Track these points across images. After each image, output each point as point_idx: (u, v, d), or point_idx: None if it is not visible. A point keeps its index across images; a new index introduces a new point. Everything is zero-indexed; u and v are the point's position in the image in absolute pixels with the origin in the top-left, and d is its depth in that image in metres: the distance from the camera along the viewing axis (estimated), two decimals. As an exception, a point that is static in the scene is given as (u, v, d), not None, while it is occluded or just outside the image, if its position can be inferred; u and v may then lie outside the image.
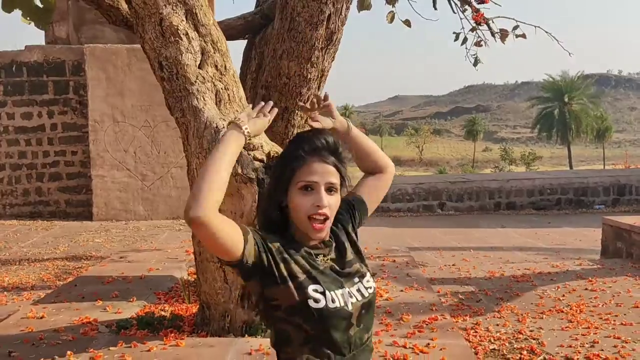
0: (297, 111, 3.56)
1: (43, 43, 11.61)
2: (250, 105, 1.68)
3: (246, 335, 3.03)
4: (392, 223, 10.91)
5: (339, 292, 1.46)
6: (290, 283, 1.42)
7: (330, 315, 1.42)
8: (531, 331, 4.49)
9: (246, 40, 4.10)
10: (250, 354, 2.77)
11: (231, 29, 3.87)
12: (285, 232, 1.52)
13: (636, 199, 12.80)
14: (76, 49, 11.07)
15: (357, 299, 1.49)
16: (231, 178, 2.43)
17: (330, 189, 1.51)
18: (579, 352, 4.04)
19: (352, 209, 1.66)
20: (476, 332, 4.49)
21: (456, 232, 9.92)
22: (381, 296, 3.80)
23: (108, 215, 11.04)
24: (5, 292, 6.00)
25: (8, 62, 11.23)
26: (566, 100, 51.23)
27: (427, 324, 3.23)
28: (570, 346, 4.16)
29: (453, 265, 6.93)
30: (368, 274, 1.57)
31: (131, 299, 3.68)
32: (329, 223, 1.51)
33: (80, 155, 11.50)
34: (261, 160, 2.57)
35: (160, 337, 3.00)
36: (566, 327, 4.57)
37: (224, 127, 2.45)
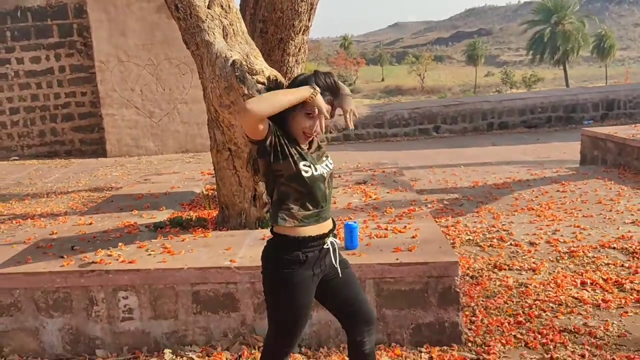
0: (291, 41, 4.12)
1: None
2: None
3: (259, 228, 3.74)
4: (388, 147, 11.51)
5: (318, 166, 2.15)
6: (290, 159, 2.10)
7: (315, 179, 2.12)
8: (503, 225, 5.21)
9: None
10: (263, 239, 3.48)
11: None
12: (283, 128, 2.16)
13: (624, 113, 13.28)
14: (76, -8, 11.38)
15: (327, 169, 2.20)
16: (238, 97, 3.05)
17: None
18: (542, 238, 4.76)
19: None
20: (456, 228, 5.23)
21: (449, 152, 10.50)
22: (370, 197, 4.49)
23: (121, 152, 11.69)
24: (41, 219, 6.75)
25: (12, 9, 11.56)
26: (553, 21, 50.56)
27: (406, 214, 3.91)
28: (535, 234, 4.88)
29: (442, 179, 7.60)
30: (329, 158, 2.25)
31: (161, 208, 4.38)
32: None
33: (89, 96, 12.03)
34: (262, 83, 3.16)
35: (190, 232, 3.70)
36: (534, 221, 5.28)
37: (231, 56, 3.04)
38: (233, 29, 3.16)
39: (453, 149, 10.87)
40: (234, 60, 3.02)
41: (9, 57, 11.75)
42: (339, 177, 5.31)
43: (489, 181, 7.13)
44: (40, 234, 5.31)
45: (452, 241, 4.85)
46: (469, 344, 3.10)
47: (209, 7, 3.11)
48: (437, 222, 5.37)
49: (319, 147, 2.27)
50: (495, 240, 4.79)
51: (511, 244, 4.67)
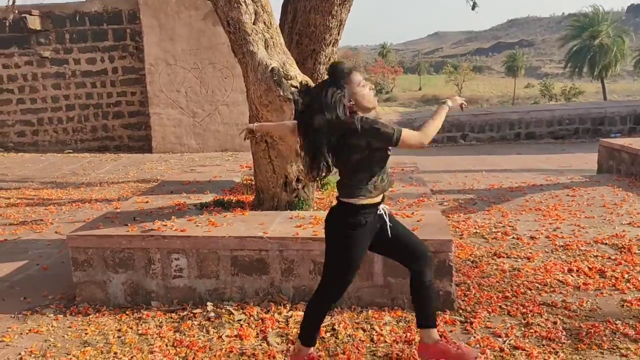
0: (322, 52, 4.77)
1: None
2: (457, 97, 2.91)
3: (289, 210, 4.39)
4: (414, 152, 12.04)
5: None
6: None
7: (385, 161, 2.75)
8: (509, 222, 5.74)
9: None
10: (291, 218, 4.12)
11: (272, -11, 5.05)
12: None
13: (652, 127, 13.48)
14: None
15: None
16: (275, 98, 3.73)
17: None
18: (542, 233, 5.28)
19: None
20: (466, 222, 5.78)
21: (473, 158, 10.97)
22: (387, 189, 5.12)
23: (165, 148, 12.56)
24: (97, 203, 7.57)
25: (72, 13, 12.59)
26: (585, 36, 50.16)
27: (415, 204, 4.49)
28: (537, 230, 5.40)
29: (462, 182, 8.13)
30: None
31: (206, 192, 5.08)
32: None
33: (138, 96, 12.96)
34: (295, 87, 3.81)
35: (230, 211, 4.37)
36: (538, 219, 5.79)
37: (271, 64, 3.70)
38: (273, 42, 3.84)
39: (478, 156, 11.32)
40: (272, 68, 3.69)
41: (67, 57, 12.78)
42: (362, 173, 5.92)
43: (504, 185, 7.64)
44: (98, 215, 6.09)
45: (460, 233, 5.41)
46: (460, 311, 3.68)
47: (254, 23, 3.79)
48: (449, 217, 5.95)
49: None
50: (499, 233, 5.34)
51: (513, 237, 5.21)
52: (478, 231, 5.45)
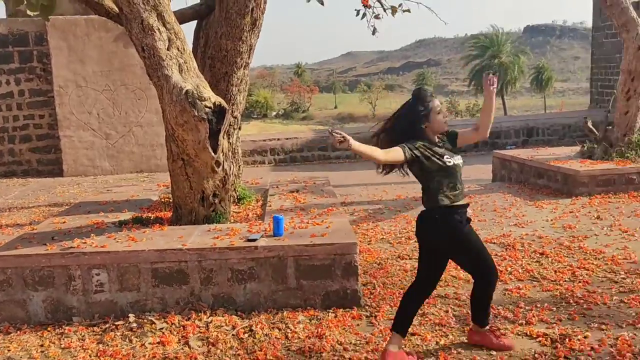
0: (234, 74, 5.09)
1: (4, 16, 12.51)
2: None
3: (206, 224, 4.64)
4: (331, 168, 12.54)
5: (454, 158, 3.19)
6: (435, 158, 3.12)
7: (454, 166, 3.16)
8: (413, 227, 6.25)
9: (196, 23, 5.55)
10: (209, 231, 4.37)
11: (184, 16, 5.31)
12: (421, 138, 3.16)
13: (542, 139, 14.79)
14: (38, 21, 12.01)
15: (460, 161, 3.24)
16: (190, 118, 4.00)
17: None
18: (440, 237, 5.82)
19: (447, 136, 3.32)
20: (374, 230, 6.25)
21: (371, 174, 11.61)
22: (299, 201, 5.46)
23: (77, 172, 12.30)
24: (8, 228, 7.40)
25: (-26, 35, 12.11)
26: (486, 56, 54.12)
27: (325, 213, 4.88)
28: (436, 234, 5.94)
29: (372, 194, 8.66)
30: (459, 155, 3.29)
31: (123, 211, 5.20)
32: None
33: (47, 118, 12.62)
34: (209, 107, 4.10)
35: (150, 227, 4.55)
36: (438, 224, 6.36)
37: (185, 87, 3.97)
38: (187, 66, 4.12)
39: (382, 178, 11.98)
40: (187, 90, 3.97)
41: (-30, 80, 12.25)
42: (277, 187, 6.27)
43: (410, 195, 8.23)
44: (12, 239, 6.01)
45: (369, 240, 5.86)
46: (366, 307, 4.07)
47: (168, 49, 4.05)
48: (359, 226, 6.40)
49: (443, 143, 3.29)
50: (403, 238, 5.84)
51: (415, 241, 5.71)
52: (384, 237, 5.93)
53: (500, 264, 4.87)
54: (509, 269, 4.74)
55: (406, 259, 5.18)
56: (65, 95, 12.01)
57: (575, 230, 5.81)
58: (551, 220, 6.28)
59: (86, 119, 12.18)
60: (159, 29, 3.96)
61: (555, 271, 4.62)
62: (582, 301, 3.98)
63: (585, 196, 7.20)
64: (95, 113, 12.23)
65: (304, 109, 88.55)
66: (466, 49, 71.31)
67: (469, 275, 4.57)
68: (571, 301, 4.00)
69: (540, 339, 3.44)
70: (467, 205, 3.31)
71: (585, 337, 3.42)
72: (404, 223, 6.52)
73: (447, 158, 3.19)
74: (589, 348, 3.29)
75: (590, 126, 8.49)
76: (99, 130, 12.27)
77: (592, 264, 4.76)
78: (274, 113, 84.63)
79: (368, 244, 5.70)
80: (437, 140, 3.26)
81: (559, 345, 3.34)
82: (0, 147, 12.53)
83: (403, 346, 3.31)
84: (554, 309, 3.89)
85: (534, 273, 4.60)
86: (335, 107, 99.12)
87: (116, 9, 4.63)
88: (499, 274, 3.48)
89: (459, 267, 4.78)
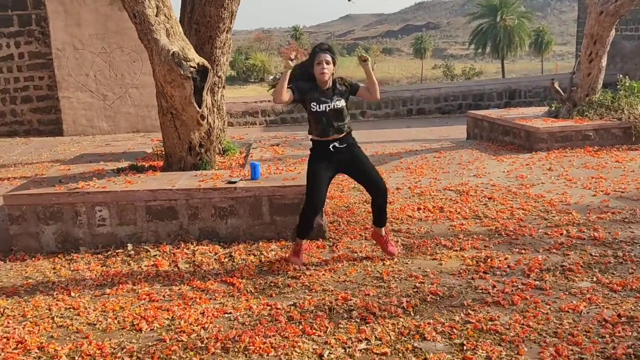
0: (217, 38, 5.67)
1: (3, -20, 12.89)
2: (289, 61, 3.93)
3: (194, 170, 5.30)
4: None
5: (324, 105, 3.90)
6: (308, 102, 3.88)
7: (318, 114, 3.88)
8: (383, 178, 6.92)
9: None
10: (195, 175, 5.05)
11: (172, -16, 5.88)
12: (313, 82, 3.92)
13: (524, 101, 15.33)
14: (35, -15, 12.46)
15: (330, 108, 3.93)
16: (177, 76, 4.62)
17: (327, 62, 3.89)
18: (406, 185, 6.52)
19: (351, 86, 4.07)
20: (348, 180, 6.91)
21: (368, 132, 12.18)
22: (278, 153, 6.13)
23: (77, 131, 12.90)
24: (15, 180, 8.06)
25: (-27, -2, 12.54)
26: (498, 18, 53.74)
27: (299, 162, 5.54)
28: (403, 183, 6.63)
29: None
30: (342, 100, 4.00)
31: (121, 161, 5.87)
32: (328, 77, 3.91)
33: (46, 80, 13.16)
34: (193, 67, 4.72)
35: (144, 173, 5.22)
36: (406, 176, 7.04)
37: (172, 49, 4.57)
38: (173, 31, 4.72)
39: (373, 130, 12.59)
40: (173, 52, 4.58)
41: (-29, 43, 12.74)
42: (260, 142, 6.91)
43: (386, 151, 8.89)
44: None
45: (342, 189, 6.54)
46: (330, 239, 4.77)
47: (156, 16, 4.64)
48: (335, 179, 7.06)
49: (334, 88, 4.00)
50: (372, 187, 6.50)
51: (383, 189, 6.39)
52: (356, 186, 6.59)
53: (452, 206, 5.56)
54: (459, 210, 5.43)
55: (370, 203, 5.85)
56: (64, 57, 12.51)
57: (526, 180, 6.49)
58: (507, 171, 6.96)
59: (84, 80, 12.71)
60: (148, -3, 4.54)
61: (497, 211, 5.32)
62: (512, 233, 4.69)
63: (544, 151, 7.86)
64: (92, 75, 12.75)
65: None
66: (471, 9, 70.82)
67: (423, 215, 5.29)
68: (503, 233, 4.71)
69: (467, 260, 4.15)
70: (338, 139, 4.05)
71: (505, 259, 4.13)
72: (375, 174, 7.17)
73: (313, 104, 3.95)
74: (506, 266, 4.00)
75: (557, 87, 9.09)
76: (97, 91, 12.81)
77: (531, 205, 5.46)
78: (271, 77, 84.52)
79: (341, 192, 6.38)
80: (325, 87, 3.99)
81: (482, 264, 4.05)
82: (2, 107, 13.10)
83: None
84: (487, 239, 4.59)
85: (478, 213, 5.30)
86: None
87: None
88: (382, 194, 4.33)
89: (415, 209, 5.49)
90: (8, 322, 3.50)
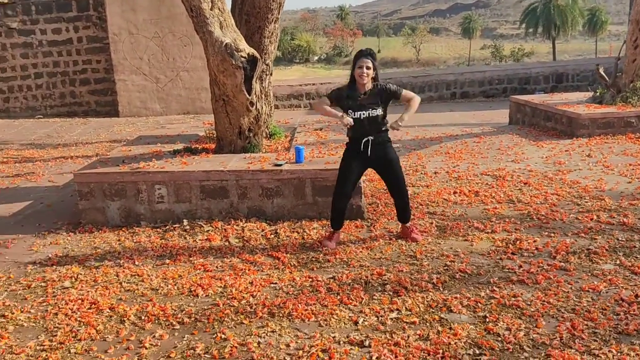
0: (266, 28, 6.02)
1: (63, -33, 13.58)
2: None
3: (243, 153, 5.70)
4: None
5: (358, 112, 4.22)
6: (345, 110, 4.23)
7: (354, 120, 4.22)
8: (422, 162, 7.19)
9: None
10: (245, 158, 5.45)
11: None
12: (352, 86, 4.26)
13: (571, 85, 15.12)
14: (93, -28, 13.08)
15: (365, 116, 4.24)
16: (229, 66, 5.00)
17: (367, 67, 4.18)
18: (444, 169, 6.76)
19: (393, 93, 4.35)
20: (387, 164, 7.19)
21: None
22: (321, 137, 6.47)
23: (131, 112, 13.56)
24: (78, 159, 8.69)
25: (36, -15, 13.28)
26: None
27: (341, 147, 5.87)
28: (441, 167, 6.87)
29: (393, 135, 9.53)
30: (379, 109, 4.28)
31: (176, 143, 6.34)
32: (366, 80, 4.20)
33: (103, 63, 13.85)
34: (244, 57, 5.08)
35: (198, 155, 5.66)
36: (444, 160, 7.27)
37: (225, 41, 4.94)
38: (226, 23, 5.09)
39: (416, 114, 12.69)
40: (226, 43, 4.95)
41: (34, 28, 13.52)
42: (304, 126, 7.26)
43: (427, 135, 9.10)
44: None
45: (381, 171, 6.82)
46: (369, 220, 5.10)
47: (211, 9, 5.02)
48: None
49: (373, 94, 4.25)
50: (411, 170, 6.79)
51: (421, 173, 6.67)
52: (395, 169, 6.88)
53: (487, 190, 5.79)
54: (493, 194, 5.66)
55: (410, 186, 6.12)
56: (119, 42, 13.13)
57: (563, 166, 6.62)
58: (545, 157, 7.09)
59: (138, 64, 13.32)
60: (203, -7, 4.92)
61: (531, 196, 5.52)
62: (543, 217, 4.90)
63: (585, 137, 7.92)
64: (146, 59, 13.35)
65: (347, 54, 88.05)
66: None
67: (459, 199, 5.54)
68: (534, 217, 4.93)
69: (497, 242, 4.41)
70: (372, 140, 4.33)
71: (534, 242, 4.37)
72: (415, 159, 7.44)
73: (350, 112, 4.21)
74: (534, 248, 4.25)
75: (602, 73, 9.06)
76: (150, 74, 13.41)
77: (565, 191, 5.63)
78: (316, 57, 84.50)
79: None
80: (363, 91, 4.25)
81: (511, 246, 4.31)
82: (62, 89, 13.89)
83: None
84: (518, 222, 4.83)
85: (512, 197, 5.52)
86: (379, 52, 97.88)
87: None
88: (403, 197, 4.55)
89: (451, 193, 5.75)
90: (82, 286, 3.99)
